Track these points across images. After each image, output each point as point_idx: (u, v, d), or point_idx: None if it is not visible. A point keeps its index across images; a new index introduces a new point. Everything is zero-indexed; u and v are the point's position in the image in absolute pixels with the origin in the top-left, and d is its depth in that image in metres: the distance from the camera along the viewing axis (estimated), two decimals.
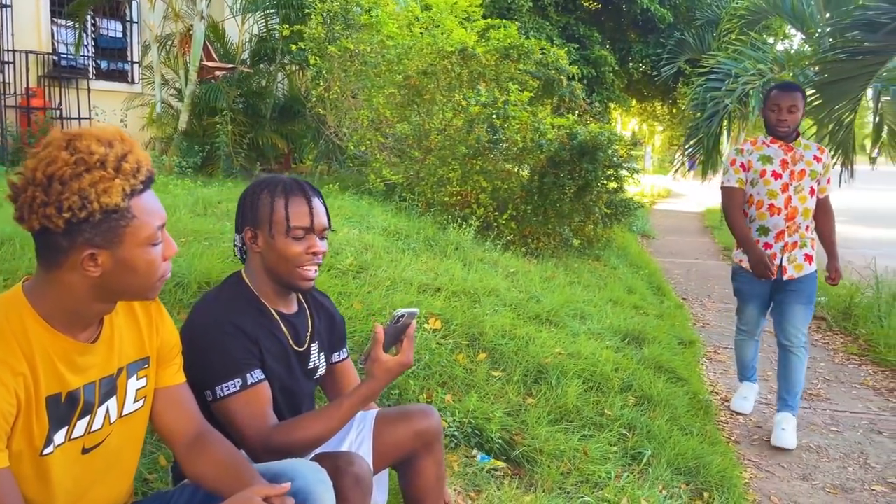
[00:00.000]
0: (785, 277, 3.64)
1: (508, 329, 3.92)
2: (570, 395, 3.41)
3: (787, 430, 3.61)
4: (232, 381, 1.60)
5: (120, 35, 10.96)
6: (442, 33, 7.63)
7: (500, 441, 2.97)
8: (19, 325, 1.21)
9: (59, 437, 1.27)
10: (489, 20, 8.81)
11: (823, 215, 3.70)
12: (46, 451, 1.24)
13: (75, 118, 9.38)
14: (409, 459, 1.98)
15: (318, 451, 1.67)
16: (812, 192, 3.60)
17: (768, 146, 3.64)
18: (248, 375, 1.62)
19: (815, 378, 4.77)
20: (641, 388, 3.77)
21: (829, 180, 3.67)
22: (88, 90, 9.67)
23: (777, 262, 3.64)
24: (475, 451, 2.95)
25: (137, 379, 1.41)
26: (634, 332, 4.72)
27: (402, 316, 1.62)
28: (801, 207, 3.59)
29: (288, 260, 1.68)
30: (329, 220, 1.78)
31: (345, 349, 2.01)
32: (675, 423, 3.48)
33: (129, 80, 10.88)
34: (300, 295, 1.85)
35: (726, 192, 3.74)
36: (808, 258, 3.68)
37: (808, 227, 3.65)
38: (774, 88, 3.63)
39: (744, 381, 4.16)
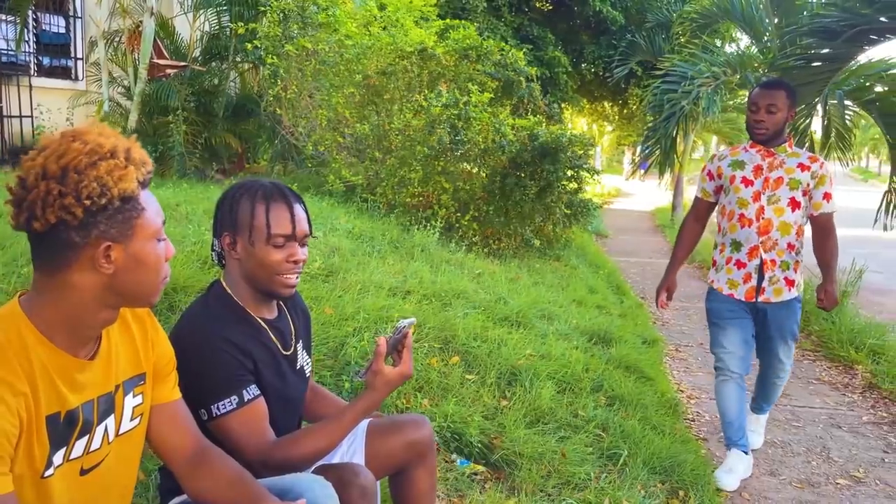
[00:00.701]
0: (760, 300, 3.19)
1: (480, 331, 3.92)
2: (544, 397, 3.42)
3: (755, 432, 3.63)
4: (228, 399, 1.55)
5: (63, 31, 10.57)
6: (401, 33, 7.57)
7: (479, 445, 2.96)
8: (18, 342, 1.15)
9: (58, 458, 1.21)
10: (447, 21, 8.80)
11: (821, 236, 3.17)
12: (47, 473, 1.18)
13: (16, 116, 9.01)
14: (401, 470, 1.95)
15: (318, 462, 1.64)
16: (794, 204, 3.11)
17: (746, 151, 3.21)
18: (244, 392, 1.57)
19: None
20: (612, 387, 3.81)
21: (827, 196, 3.12)
22: (30, 87, 9.29)
23: (752, 282, 3.19)
24: (454, 456, 2.94)
25: (134, 396, 1.35)
26: (600, 332, 4.77)
27: (404, 327, 1.60)
28: (777, 221, 3.11)
29: (268, 268, 1.63)
30: (311, 225, 1.73)
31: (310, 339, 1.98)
32: (647, 423, 3.53)
33: (74, 77, 10.50)
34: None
35: (693, 202, 3.47)
36: (789, 282, 3.19)
37: (791, 245, 3.16)
38: (756, 86, 3.25)
39: (731, 448, 3.27)
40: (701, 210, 3.40)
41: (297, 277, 1.68)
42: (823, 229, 3.15)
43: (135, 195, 1.17)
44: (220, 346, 1.57)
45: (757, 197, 3.14)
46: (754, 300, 3.20)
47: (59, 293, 1.18)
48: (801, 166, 3.11)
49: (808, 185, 3.10)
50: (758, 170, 3.15)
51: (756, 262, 3.17)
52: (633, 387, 3.90)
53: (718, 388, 3.31)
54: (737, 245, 3.22)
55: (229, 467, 1.41)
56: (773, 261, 3.16)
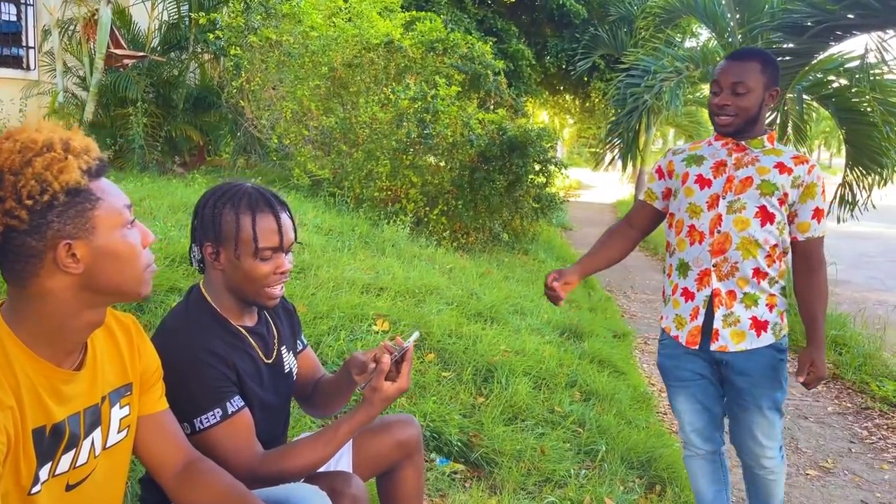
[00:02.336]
0: (714, 348, 2.22)
1: (455, 328, 3.90)
2: (520, 393, 3.42)
3: None
4: (212, 412, 1.49)
5: (14, 18, 10.22)
6: (367, 25, 7.49)
7: (459, 443, 2.94)
8: (2, 354, 1.09)
9: (44, 473, 1.15)
10: (412, 13, 8.74)
11: (804, 270, 2.23)
12: (34, 490, 1.12)
13: None
14: (390, 469, 1.93)
15: None
16: (764, 215, 2.17)
17: (710, 145, 2.32)
18: (227, 404, 1.51)
19: None
20: (586, 382, 3.83)
21: (818, 214, 2.18)
22: None
23: (698, 321, 2.24)
24: (434, 455, 2.92)
25: (120, 407, 1.30)
26: (572, 327, 4.80)
27: (408, 345, 1.56)
28: (738, 236, 2.17)
29: (255, 281, 1.57)
30: (296, 232, 1.66)
31: (302, 335, 1.92)
32: (622, 417, 3.56)
33: (25, 66, 10.16)
34: None
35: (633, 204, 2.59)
36: (758, 325, 2.20)
37: (759, 273, 2.18)
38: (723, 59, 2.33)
39: None
40: (638, 215, 2.47)
41: (281, 288, 1.63)
42: (808, 261, 2.20)
43: (82, 186, 1.10)
44: (202, 357, 1.51)
45: (714, 202, 2.22)
46: (700, 346, 2.26)
47: (37, 303, 1.12)
48: (780, 167, 2.17)
49: (788, 194, 2.17)
50: (720, 167, 2.25)
51: (705, 292, 2.22)
52: (607, 381, 3.93)
53: (685, 463, 2.54)
54: (684, 268, 2.30)
55: (221, 480, 1.36)
56: (730, 292, 2.19)
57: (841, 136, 7.24)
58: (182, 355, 1.49)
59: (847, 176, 6.95)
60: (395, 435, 1.90)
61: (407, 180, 6.59)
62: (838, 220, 6.93)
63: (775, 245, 2.19)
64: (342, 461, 1.86)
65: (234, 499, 1.32)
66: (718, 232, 2.20)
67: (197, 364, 1.49)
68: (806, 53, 4.93)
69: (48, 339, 1.13)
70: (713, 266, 2.21)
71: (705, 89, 9.34)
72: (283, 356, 1.76)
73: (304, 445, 1.54)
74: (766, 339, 2.22)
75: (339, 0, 8.22)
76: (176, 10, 9.52)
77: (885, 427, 3.96)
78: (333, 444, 1.54)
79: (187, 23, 9.27)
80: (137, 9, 9.81)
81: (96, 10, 8.50)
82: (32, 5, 10.06)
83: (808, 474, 3.38)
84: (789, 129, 7.52)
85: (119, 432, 1.29)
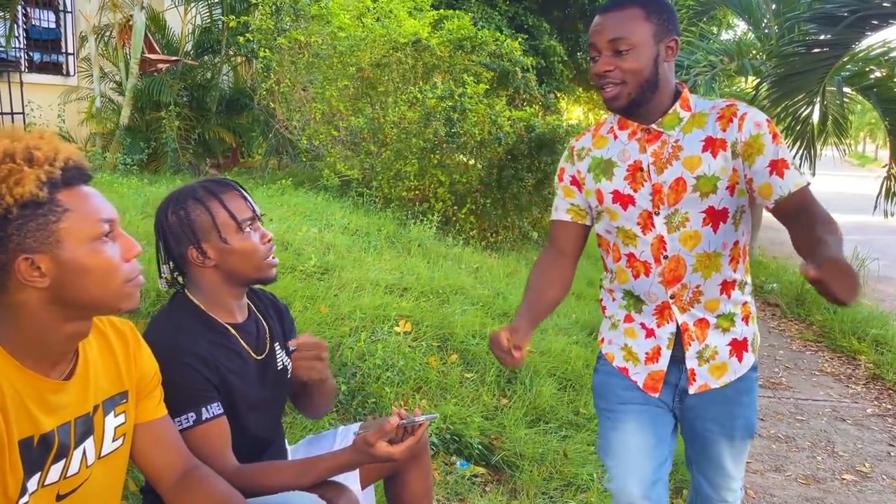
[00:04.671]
0: (694, 391, 1.75)
1: (479, 328, 3.85)
2: (544, 395, 3.37)
3: None
4: (186, 416, 1.48)
5: (53, 26, 10.46)
6: (395, 24, 7.48)
7: (480, 446, 2.91)
8: None
9: (32, 484, 1.14)
10: (441, 11, 8.70)
11: (800, 227, 1.54)
12: (22, 501, 1.11)
13: (7, 113, 8.90)
14: (396, 472, 1.91)
15: None
16: (714, 217, 1.65)
17: (615, 138, 1.74)
18: (203, 410, 1.50)
19: (776, 366, 4.86)
20: None
21: (778, 165, 1.58)
22: (21, 84, 9.17)
23: (660, 364, 1.76)
24: (454, 458, 2.88)
25: (115, 416, 1.29)
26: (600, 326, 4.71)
27: (420, 419, 1.52)
28: (692, 256, 1.68)
29: (252, 256, 1.59)
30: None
31: (295, 334, 1.91)
32: None
33: (65, 72, 10.40)
34: (248, 298, 1.74)
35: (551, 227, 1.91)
36: (738, 347, 1.77)
37: (727, 284, 1.72)
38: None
39: None
40: (568, 238, 1.84)
41: (275, 256, 1.66)
42: (799, 217, 1.57)
43: (40, 198, 1.06)
44: (183, 358, 1.50)
45: (647, 222, 1.69)
46: (673, 398, 1.79)
47: (13, 315, 1.11)
48: (710, 145, 1.62)
49: (736, 170, 1.62)
50: (636, 173, 1.69)
51: (669, 328, 1.75)
52: None
53: None
54: (636, 301, 1.79)
55: (218, 487, 1.34)
56: (700, 322, 1.73)
57: (885, 128, 7.02)
58: (162, 356, 1.47)
59: (892, 168, 6.74)
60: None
61: (435, 179, 6.56)
62: (885, 215, 6.73)
63: (736, 241, 1.71)
64: None
65: None
66: (665, 258, 1.69)
67: (176, 365, 1.48)
68: (841, 44, 4.76)
69: (31, 350, 1.12)
70: (671, 298, 1.72)
71: (742, 83, 9.12)
72: (276, 352, 1.75)
73: (279, 470, 1.52)
74: (748, 360, 1.79)
75: (367, 0, 8.23)
76: (208, 14, 9.65)
77: None
78: (309, 476, 1.51)
79: (220, 26, 9.38)
80: (171, 14, 9.97)
81: (131, 15, 8.66)
82: (71, 12, 10.29)
83: (843, 479, 3.26)
84: (829, 123, 7.33)
85: (114, 441, 1.28)
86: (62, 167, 1.09)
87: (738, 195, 1.66)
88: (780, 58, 5.41)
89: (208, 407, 1.51)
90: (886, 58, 6.41)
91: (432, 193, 6.58)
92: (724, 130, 1.62)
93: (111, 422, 1.27)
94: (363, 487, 1.90)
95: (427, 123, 6.41)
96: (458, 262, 5.28)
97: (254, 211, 1.61)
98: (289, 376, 1.79)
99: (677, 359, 1.76)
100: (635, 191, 1.69)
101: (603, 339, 1.90)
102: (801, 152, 6.09)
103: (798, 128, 5.61)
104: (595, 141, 1.78)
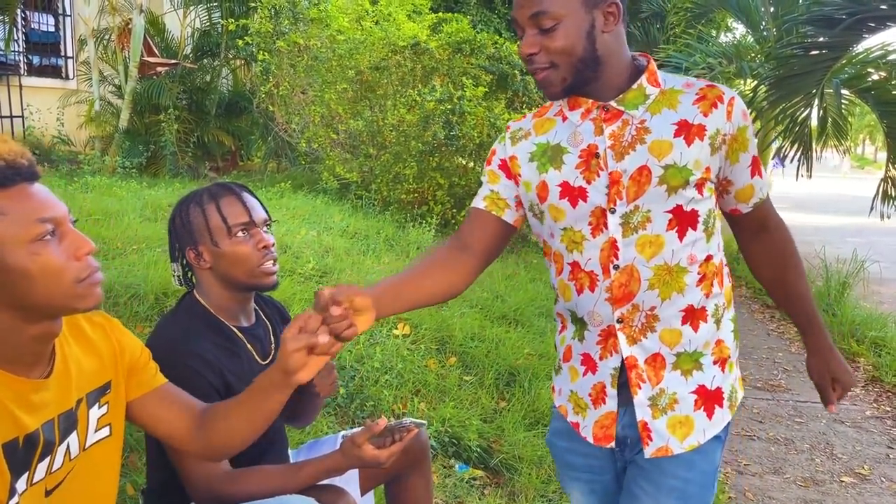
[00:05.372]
0: (650, 453, 1.36)
1: (477, 331, 3.86)
2: (542, 398, 3.37)
3: None
4: None
5: (52, 29, 10.48)
6: (394, 27, 7.49)
7: (478, 449, 2.91)
8: None
9: (21, 484, 1.14)
10: (440, 14, 8.71)
11: (768, 246, 1.46)
12: (12, 502, 1.11)
13: (6, 117, 8.93)
14: (397, 476, 1.92)
15: None
16: (682, 219, 1.32)
17: (565, 119, 1.40)
18: None
19: (776, 369, 4.86)
20: None
21: (756, 165, 1.39)
22: (20, 87, 9.21)
23: (608, 405, 1.40)
24: (453, 461, 2.89)
25: (99, 407, 1.28)
26: None
27: (409, 424, 1.49)
28: (649, 268, 1.33)
29: (242, 262, 1.59)
30: (267, 211, 1.69)
31: None
32: None
33: (64, 76, 10.42)
34: (255, 304, 1.75)
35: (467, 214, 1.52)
36: (708, 398, 1.38)
37: (693, 312, 1.35)
38: None
39: None
40: (478, 232, 1.46)
41: (274, 264, 1.64)
42: (765, 230, 1.45)
43: None
44: (186, 361, 1.50)
45: (599, 222, 1.36)
46: (621, 452, 1.44)
47: None
48: (685, 129, 1.32)
49: (710, 167, 1.33)
50: (589, 159, 1.36)
51: (611, 362, 1.39)
52: None
53: None
54: (579, 325, 1.44)
55: (233, 410, 1.32)
56: (654, 358, 1.36)
57: (883, 130, 7.03)
58: (165, 358, 1.48)
59: (889, 171, 6.74)
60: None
61: (434, 182, 6.57)
62: (882, 217, 6.73)
63: (709, 257, 1.36)
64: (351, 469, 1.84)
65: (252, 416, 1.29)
66: (616, 268, 1.34)
67: (178, 367, 1.47)
68: (839, 46, 4.78)
69: (5, 354, 1.11)
70: (618, 322, 1.35)
71: (742, 85, 9.14)
72: None
73: (265, 475, 1.52)
74: (722, 417, 1.39)
75: (366, 3, 8.24)
76: (207, 17, 9.67)
77: None
78: (297, 479, 1.52)
79: (219, 30, 9.40)
80: (170, 17, 9.99)
81: (130, 19, 8.67)
82: (70, 16, 10.31)
83: (842, 481, 3.26)
84: (829, 125, 7.33)
85: (97, 431, 1.28)
86: (6, 166, 1.06)
87: (708, 195, 1.34)
88: (778, 60, 5.42)
89: None
90: (884, 61, 6.42)
91: (431, 196, 6.59)
92: (705, 115, 1.31)
93: (95, 413, 1.26)
94: (363, 493, 1.90)
95: (426, 126, 6.42)
96: None
97: (250, 216, 1.61)
98: None
99: (627, 402, 1.39)
100: (588, 182, 1.34)
101: (553, 389, 1.55)
102: (798, 154, 6.09)
103: (796, 130, 5.62)
104: (536, 124, 1.45)
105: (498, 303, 4.55)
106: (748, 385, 4.49)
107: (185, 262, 1.65)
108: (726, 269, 1.44)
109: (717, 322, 1.39)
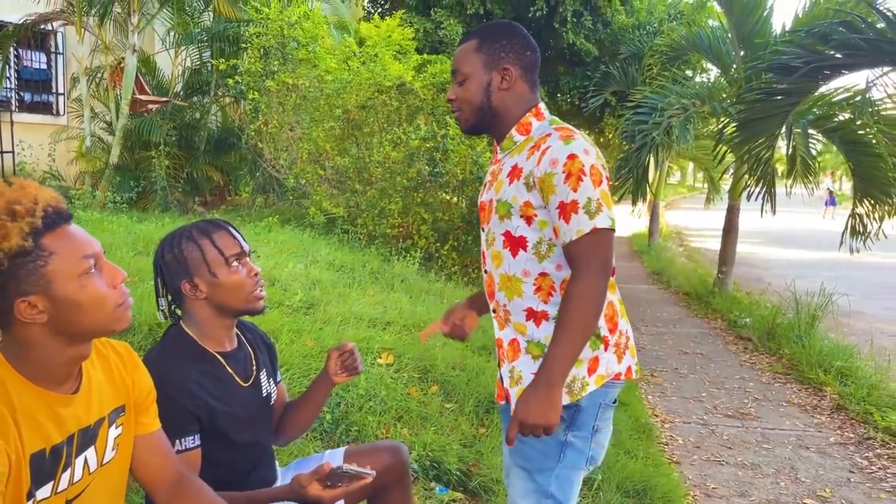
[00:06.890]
0: (510, 404, 1.72)
1: (458, 360, 4.02)
2: None
3: None
4: None
5: (44, 66, 10.69)
6: (380, 68, 7.76)
7: (458, 472, 3.05)
8: (0, 386, 1.22)
9: (45, 491, 1.27)
10: (424, 55, 9.01)
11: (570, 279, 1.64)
12: None
13: None
14: (379, 494, 2.05)
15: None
16: (512, 242, 1.69)
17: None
18: (177, 441, 1.63)
19: (746, 398, 5.04)
20: None
21: (564, 209, 1.59)
22: (11, 123, 9.37)
23: (498, 375, 1.82)
24: (433, 484, 3.02)
25: (116, 427, 1.43)
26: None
27: (353, 472, 1.58)
28: (498, 274, 1.73)
29: (239, 289, 1.74)
30: (248, 243, 1.86)
31: (279, 372, 2.06)
32: (621, 447, 3.64)
33: (55, 112, 10.60)
34: (238, 330, 1.90)
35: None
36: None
37: (534, 313, 1.68)
38: None
39: None
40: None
41: (262, 290, 1.81)
42: (574, 271, 1.62)
43: (27, 248, 1.17)
44: (168, 391, 1.63)
45: (482, 232, 1.86)
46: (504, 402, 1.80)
47: (22, 347, 1.25)
48: (513, 172, 1.69)
49: (530, 202, 1.65)
50: (484, 190, 1.86)
51: (495, 337, 1.81)
52: None
53: None
54: None
55: (207, 495, 1.49)
56: (512, 342, 1.73)
57: (849, 168, 7.33)
58: (154, 385, 1.61)
59: (856, 207, 7.02)
60: (384, 460, 2.03)
61: (418, 217, 6.78)
62: (851, 251, 6.98)
63: (542, 273, 1.67)
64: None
65: None
66: (486, 272, 1.81)
67: (162, 397, 1.60)
68: (797, 92, 5.06)
69: (40, 372, 1.27)
70: (493, 311, 1.80)
71: (715, 124, 9.46)
72: (262, 380, 1.90)
73: (229, 500, 1.61)
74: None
75: (353, 45, 8.52)
76: (198, 56, 9.91)
77: (886, 457, 3.99)
78: None
79: (209, 69, 9.64)
80: (162, 56, 10.23)
81: (123, 58, 8.90)
82: (62, 54, 10.52)
83: (804, 503, 3.43)
84: (798, 164, 7.62)
85: (112, 450, 1.43)
86: (42, 215, 1.21)
87: (540, 227, 1.65)
88: (745, 104, 5.71)
89: (182, 440, 1.65)
90: (849, 102, 6.74)
91: (415, 230, 6.78)
92: (526, 160, 1.66)
93: (112, 433, 1.42)
94: None
95: (411, 163, 6.64)
96: (440, 297, 5.46)
97: (242, 248, 1.77)
98: (272, 403, 1.95)
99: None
100: (482, 207, 1.84)
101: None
102: (762, 192, 6.36)
103: (760, 169, 5.89)
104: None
105: (478, 334, 4.72)
106: (718, 413, 4.67)
107: (171, 296, 1.80)
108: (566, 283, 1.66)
109: (543, 326, 1.71)
